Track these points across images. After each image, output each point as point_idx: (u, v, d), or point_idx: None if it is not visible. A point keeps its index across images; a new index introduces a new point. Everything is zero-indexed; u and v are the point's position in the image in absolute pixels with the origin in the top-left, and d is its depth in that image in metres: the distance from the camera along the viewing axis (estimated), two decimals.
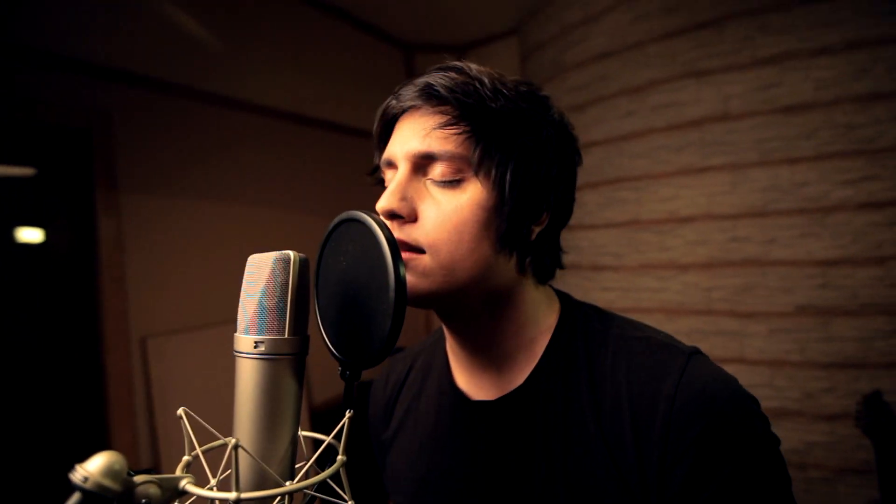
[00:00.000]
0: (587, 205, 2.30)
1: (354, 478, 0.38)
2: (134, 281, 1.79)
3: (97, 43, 1.71)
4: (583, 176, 0.62)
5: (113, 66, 1.76)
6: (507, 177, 0.48)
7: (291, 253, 0.37)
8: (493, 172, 0.48)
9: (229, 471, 0.36)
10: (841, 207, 1.70)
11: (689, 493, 0.44)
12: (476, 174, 0.48)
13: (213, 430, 0.39)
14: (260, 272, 0.37)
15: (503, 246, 0.50)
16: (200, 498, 0.34)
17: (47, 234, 1.74)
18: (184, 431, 0.38)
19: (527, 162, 0.49)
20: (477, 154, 0.48)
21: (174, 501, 0.34)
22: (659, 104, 2.07)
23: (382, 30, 2.98)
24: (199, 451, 0.38)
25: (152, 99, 1.89)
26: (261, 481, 0.35)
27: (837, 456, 1.69)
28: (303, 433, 0.40)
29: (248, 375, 0.36)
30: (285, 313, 0.36)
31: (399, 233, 0.49)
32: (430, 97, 0.49)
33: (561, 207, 0.55)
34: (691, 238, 2.00)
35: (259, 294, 0.36)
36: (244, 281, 0.38)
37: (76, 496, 0.29)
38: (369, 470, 0.73)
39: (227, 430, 0.39)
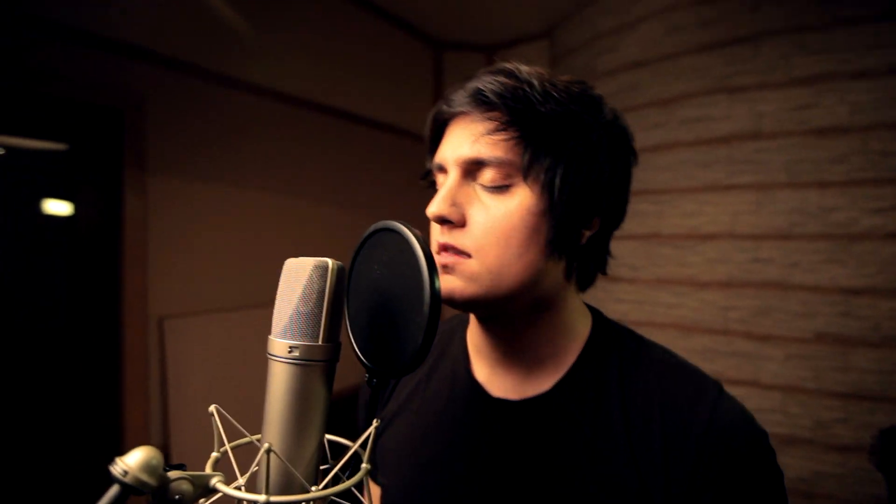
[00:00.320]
0: None
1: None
2: (155, 261, 1.82)
3: (135, 25, 1.74)
4: None
5: (149, 49, 1.78)
6: (557, 181, 0.48)
7: (329, 261, 0.38)
8: (543, 177, 0.48)
9: (255, 469, 0.36)
10: (869, 236, 1.67)
11: None
12: (525, 179, 0.48)
13: (242, 429, 0.39)
14: (297, 277, 0.37)
15: (552, 251, 0.49)
16: (227, 496, 0.35)
17: (75, 208, 1.78)
18: (214, 428, 0.38)
19: (577, 166, 0.49)
20: (526, 159, 0.48)
21: (203, 498, 0.35)
22: (688, 118, 2.04)
23: (413, 25, 2.98)
24: (227, 447, 0.38)
25: (185, 83, 1.91)
26: (286, 484, 0.36)
27: (847, 489, 1.66)
28: (328, 437, 0.41)
29: (280, 379, 0.37)
30: (320, 320, 0.37)
31: (448, 237, 0.50)
32: (480, 102, 0.49)
33: (613, 210, 0.55)
34: (711, 255, 1.97)
35: (296, 299, 0.37)
36: (280, 284, 0.38)
37: (115, 489, 0.30)
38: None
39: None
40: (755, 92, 1.88)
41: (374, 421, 0.39)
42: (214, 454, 0.38)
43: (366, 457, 0.38)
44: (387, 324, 0.42)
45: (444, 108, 0.53)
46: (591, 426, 0.51)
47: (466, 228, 0.49)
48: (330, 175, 2.54)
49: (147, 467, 0.31)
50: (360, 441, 0.39)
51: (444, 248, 0.50)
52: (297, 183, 2.36)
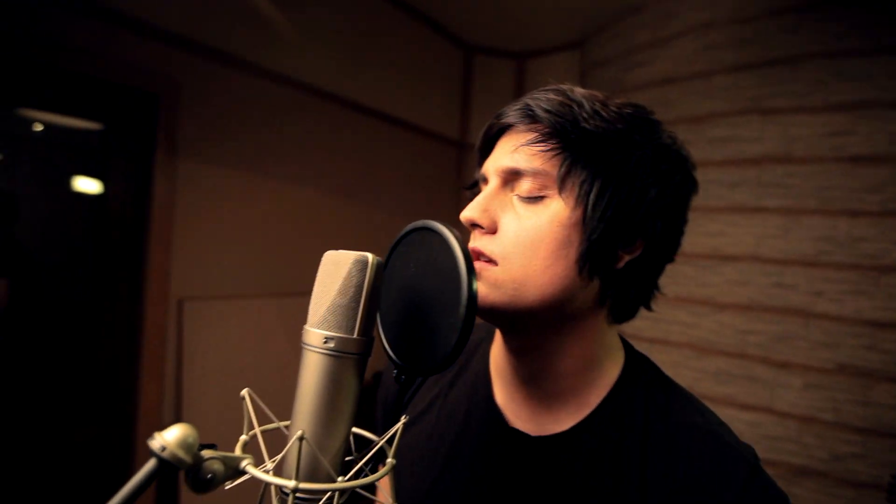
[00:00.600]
0: None
1: None
2: (180, 243, 1.86)
3: (175, 13, 1.78)
4: None
5: (187, 37, 1.82)
6: (592, 196, 0.47)
7: (370, 255, 0.38)
8: (577, 190, 0.47)
9: (281, 454, 0.37)
10: None
11: None
12: (560, 192, 0.48)
13: (272, 415, 0.40)
14: (337, 270, 0.38)
15: (582, 268, 0.48)
16: (252, 479, 0.36)
17: (105, 187, 1.82)
18: (244, 411, 0.39)
19: (617, 182, 0.48)
20: (562, 171, 0.48)
21: (232, 479, 0.35)
22: (718, 137, 2.01)
23: (445, 27, 2.99)
24: (257, 430, 0.39)
25: (220, 72, 1.95)
26: (313, 472, 0.36)
27: None
28: (355, 430, 0.41)
29: (313, 369, 0.37)
30: (357, 313, 0.37)
31: (476, 242, 0.50)
32: (526, 116, 0.50)
33: (663, 237, 0.52)
34: (733, 277, 1.94)
35: (334, 291, 0.37)
36: (319, 275, 0.39)
37: (152, 462, 0.31)
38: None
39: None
40: (789, 115, 1.85)
41: (403, 417, 0.39)
42: (243, 437, 0.38)
43: (391, 452, 0.39)
44: (420, 322, 0.42)
45: (495, 121, 0.54)
46: (608, 477, 0.49)
47: (497, 236, 0.49)
48: (356, 171, 2.56)
49: (184, 444, 0.31)
50: (386, 436, 0.39)
51: (474, 253, 0.50)
52: (322, 176, 2.38)
